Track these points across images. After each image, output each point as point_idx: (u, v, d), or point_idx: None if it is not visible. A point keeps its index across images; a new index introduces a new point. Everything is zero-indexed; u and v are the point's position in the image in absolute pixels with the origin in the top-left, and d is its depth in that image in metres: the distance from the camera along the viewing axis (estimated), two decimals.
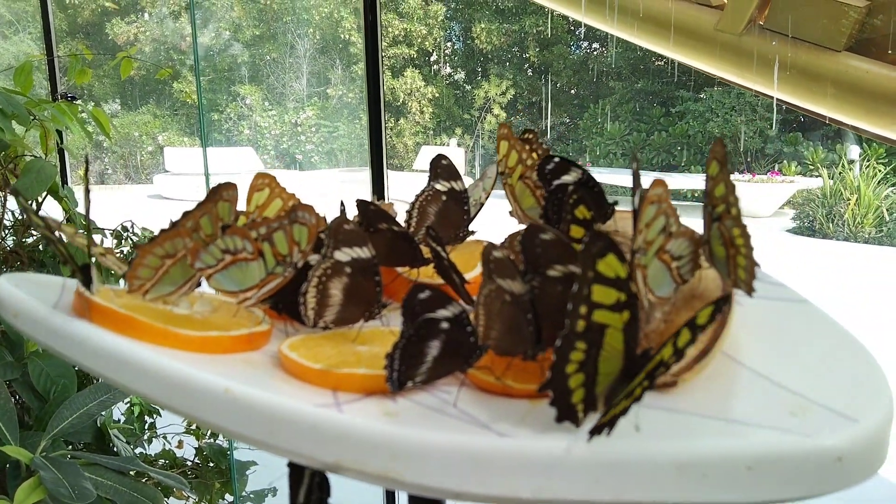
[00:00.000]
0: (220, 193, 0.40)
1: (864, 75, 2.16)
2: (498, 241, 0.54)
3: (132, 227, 1.58)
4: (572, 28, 6.32)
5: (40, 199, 1.35)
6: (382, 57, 1.84)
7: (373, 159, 1.89)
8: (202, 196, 0.40)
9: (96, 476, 1.12)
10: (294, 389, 0.35)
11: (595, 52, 6.50)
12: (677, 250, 0.36)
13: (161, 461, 1.59)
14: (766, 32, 2.28)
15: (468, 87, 7.10)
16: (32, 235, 1.42)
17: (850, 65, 2.16)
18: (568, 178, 0.46)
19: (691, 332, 0.30)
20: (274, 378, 0.36)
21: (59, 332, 0.37)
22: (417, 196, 0.56)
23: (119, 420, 1.51)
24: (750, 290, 0.35)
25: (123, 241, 1.57)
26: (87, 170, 0.41)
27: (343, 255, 0.41)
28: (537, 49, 6.59)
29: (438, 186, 0.55)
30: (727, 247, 0.35)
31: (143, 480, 1.27)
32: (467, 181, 0.58)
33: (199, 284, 0.41)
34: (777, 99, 2.33)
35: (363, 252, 0.41)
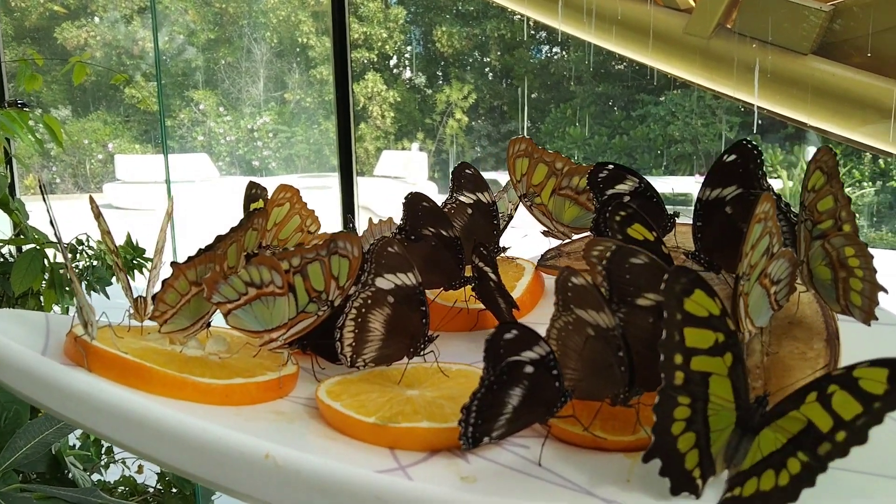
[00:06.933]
0: (252, 221, 0.34)
1: (829, 78, 2.19)
2: (527, 258, 0.49)
3: (87, 240, 1.50)
4: (533, 32, 6.33)
5: None
6: (350, 61, 1.79)
7: (342, 165, 1.84)
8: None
9: None
10: (345, 449, 0.29)
11: (556, 57, 6.52)
12: (777, 273, 0.32)
13: (121, 488, 1.50)
14: (734, 36, 2.30)
15: (429, 92, 7.04)
16: None
17: (815, 68, 2.19)
18: (623, 188, 0.41)
19: (862, 404, 0.24)
20: (317, 434, 0.30)
21: (52, 385, 0.30)
22: (440, 207, 0.51)
23: (74, 446, 1.42)
24: (869, 319, 0.30)
25: (79, 256, 1.49)
26: (41, 188, 0.35)
27: (385, 282, 0.35)
28: (499, 53, 6.58)
29: (463, 198, 0.50)
30: (835, 268, 0.31)
31: None
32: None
33: (208, 325, 0.35)
34: (744, 102, 2.35)
35: (408, 279, 0.35)
